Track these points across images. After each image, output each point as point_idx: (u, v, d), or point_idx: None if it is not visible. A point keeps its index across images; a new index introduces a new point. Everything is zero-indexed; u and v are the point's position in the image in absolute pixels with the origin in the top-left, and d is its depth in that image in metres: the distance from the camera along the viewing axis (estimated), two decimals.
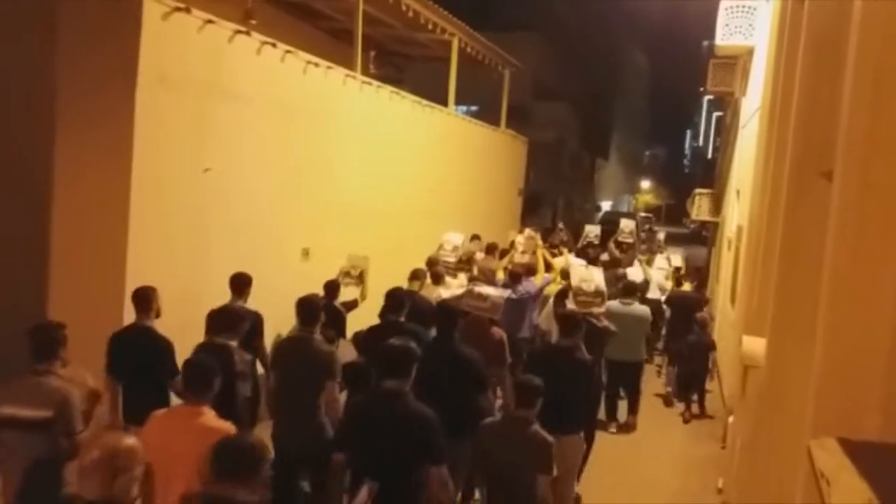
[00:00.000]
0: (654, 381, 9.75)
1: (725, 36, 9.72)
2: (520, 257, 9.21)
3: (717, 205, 15.85)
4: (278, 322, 6.88)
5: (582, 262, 9.02)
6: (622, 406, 8.23)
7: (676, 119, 74.19)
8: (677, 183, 55.69)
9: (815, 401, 1.75)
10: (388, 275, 7.62)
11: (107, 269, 5.78)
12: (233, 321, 4.91)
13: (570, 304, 6.84)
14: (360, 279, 7.13)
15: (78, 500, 2.58)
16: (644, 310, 8.20)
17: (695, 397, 8.80)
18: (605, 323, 6.84)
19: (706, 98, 42.20)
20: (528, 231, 10.09)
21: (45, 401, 3.67)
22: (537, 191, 25.73)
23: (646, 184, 63.06)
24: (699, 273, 14.39)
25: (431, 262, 7.97)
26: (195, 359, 3.89)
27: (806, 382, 1.90)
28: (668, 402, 9.13)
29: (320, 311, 4.98)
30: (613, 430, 7.96)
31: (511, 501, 3.99)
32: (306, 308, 4.95)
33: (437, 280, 7.49)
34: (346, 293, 6.98)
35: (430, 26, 11.35)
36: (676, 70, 51.14)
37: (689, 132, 77.63)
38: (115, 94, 5.74)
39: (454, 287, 7.51)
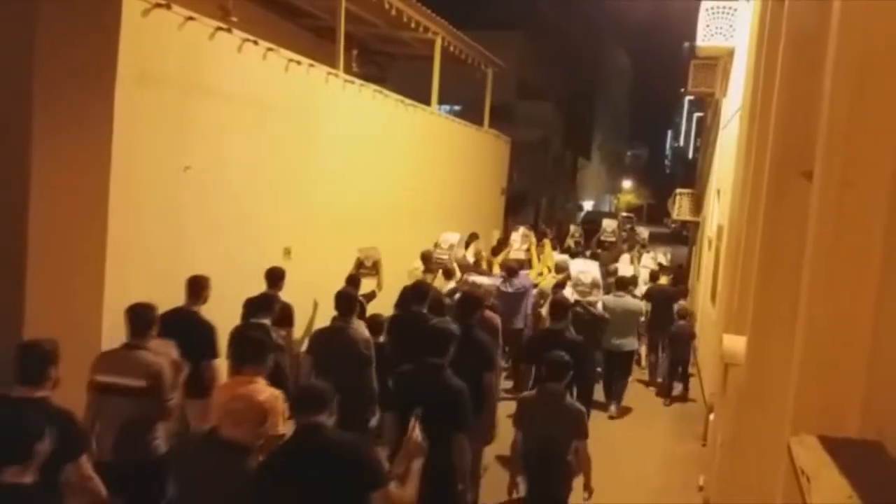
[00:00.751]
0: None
1: (706, 37, 9.80)
2: (515, 253, 9.98)
3: (698, 204, 15.98)
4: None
5: (565, 257, 10.04)
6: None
7: (658, 119, 74.82)
8: (658, 183, 56.17)
9: (795, 398, 1.76)
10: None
11: (85, 267, 5.71)
12: (268, 304, 5.84)
13: (569, 293, 7.51)
14: (375, 269, 7.72)
15: (215, 434, 3.21)
16: (636, 302, 8.83)
17: (679, 386, 9.37)
18: (601, 310, 7.64)
19: (687, 99, 42.49)
20: (522, 229, 10.82)
21: (141, 372, 4.23)
22: (520, 190, 25.78)
23: (627, 183, 63.49)
24: (679, 269, 14.60)
25: (426, 258, 8.55)
26: (249, 335, 4.40)
27: (786, 380, 1.91)
28: (650, 385, 9.83)
29: (356, 302, 5.59)
30: (613, 411, 8.36)
31: (550, 465, 4.48)
32: (343, 300, 5.63)
33: (448, 275, 8.30)
34: (364, 285, 7.58)
35: (413, 25, 11.33)
36: (658, 71, 51.47)
37: (670, 132, 78.18)
38: (94, 92, 5.67)
39: (455, 281, 8.21)
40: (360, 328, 5.68)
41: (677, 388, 9.35)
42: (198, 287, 5.59)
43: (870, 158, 1.59)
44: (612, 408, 8.37)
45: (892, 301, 1.56)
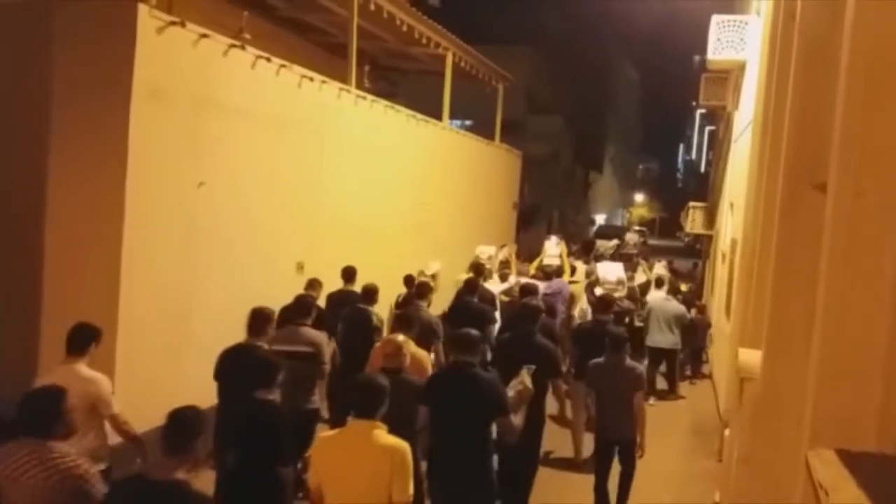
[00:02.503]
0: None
1: (717, 50, 9.78)
2: (549, 259, 11.22)
3: (711, 218, 15.92)
4: None
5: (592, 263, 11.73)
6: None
7: (669, 133, 74.79)
8: (670, 196, 56.02)
9: (811, 412, 1.74)
10: (384, 285, 7.65)
11: (100, 281, 5.76)
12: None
13: (598, 291, 8.87)
14: (434, 278, 9.01)
15: (386, 370, 4.33)
16: (679, 307, 10.12)
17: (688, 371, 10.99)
18: (627, 304, 8.99)
19: (699, 112, 42.50)
20: (554, 238, 12.39)
21: (307, 342, 5.53)
22: (532, 204, 25.80)
23: (639, 197, 63.36)
24: (676, 277, 15.01)
25: (477, 266, 9.65)
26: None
27: (802, 394, 1.90)
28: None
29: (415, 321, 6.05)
30: (652, 401, 9.21)
31: (617, 412, 5.74)
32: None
33: (485, 279, 9.44)
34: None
35: (424, 41, 11.42)
36: (669, 84, 51.60)
37: (681, 146, 78.10)
38: (109, 108, 5.75)
39: (493, 284, 9.48)
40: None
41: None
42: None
43: (883, 169, 1.59)
44: (651, 399, 9.30)
45: None
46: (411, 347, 5.11)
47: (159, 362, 5.94)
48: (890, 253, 1.59)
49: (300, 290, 7.27)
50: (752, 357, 3.32)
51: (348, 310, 6.87)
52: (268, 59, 7.42)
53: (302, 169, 8.24)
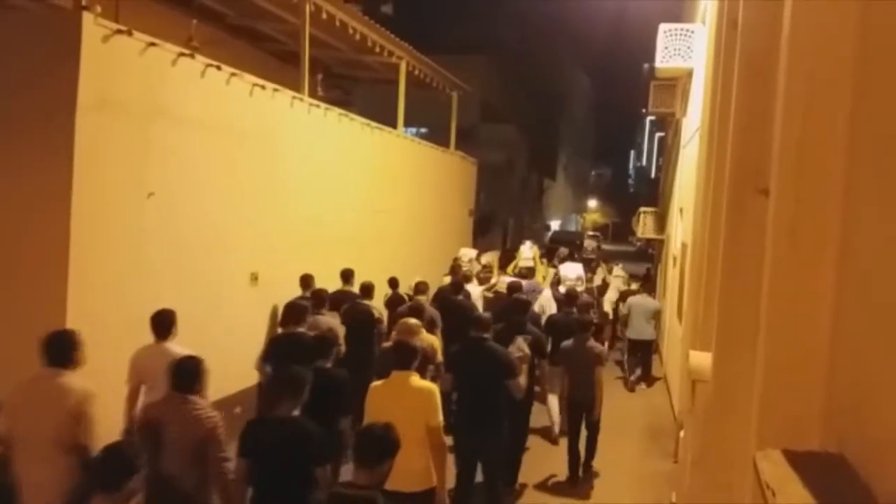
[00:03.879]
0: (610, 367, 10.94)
1: (665, 58, 9.99)
2: (523, 262, 12.57)
3: (662, 223, 16.23)
4: (228, 345, 6.75)
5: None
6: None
7: (620, 139, 76.00)
8: (623, 202, 56.93)
9: (758, 413, 1.78)
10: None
11: (48, 294, 5.58)
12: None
13: (562, 288, 10.07)
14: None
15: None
16: (655, 302, 11.72)
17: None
18: (586, 298, 9.94)
19: (648, 119, 43.38)
20: (528, 243, 13.83)
21: (326, 327, 6.57)
22: (488, 211, 25.92)
23: (592, 203, 64.23)
24: (649, 280, 15.43)
25: (455, 268, 10.93)
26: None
27: (751, 395, 1.94)
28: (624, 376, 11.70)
29: (424, 310, 7.28)
30: (633, 379, 11.17)
31: (583, 382, 7.03)
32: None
33: (467, 280, 10.50)
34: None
35: (377, 49, 11.40)
36: (620, 91, 52.35)
37: (633, 152, 79.46)
38: (54, 118, 5.58)
39: (472, 286, 10.54)
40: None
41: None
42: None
43: (821, 176, 1.64)
44: (633, 378, 11.19)
45: (848, 313, 1.60)
46: (423, 332, 6.12)
47: (109, 374, 5.78)
48: (831, 258, 1.64)
49: (254, 300, 7.17)
50: (702, 359, 3.38)
51: (350, 304, 7.75)
52: (218, 68, 7.31)
53: (255, 178, 8.13)
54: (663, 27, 9.88)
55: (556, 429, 8.20)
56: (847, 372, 1.58)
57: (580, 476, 7.17)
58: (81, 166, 5.61)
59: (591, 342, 7.20)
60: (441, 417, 4.49)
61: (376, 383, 4.71)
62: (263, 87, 8.12)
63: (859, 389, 1.51)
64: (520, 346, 6.26)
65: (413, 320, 5.81)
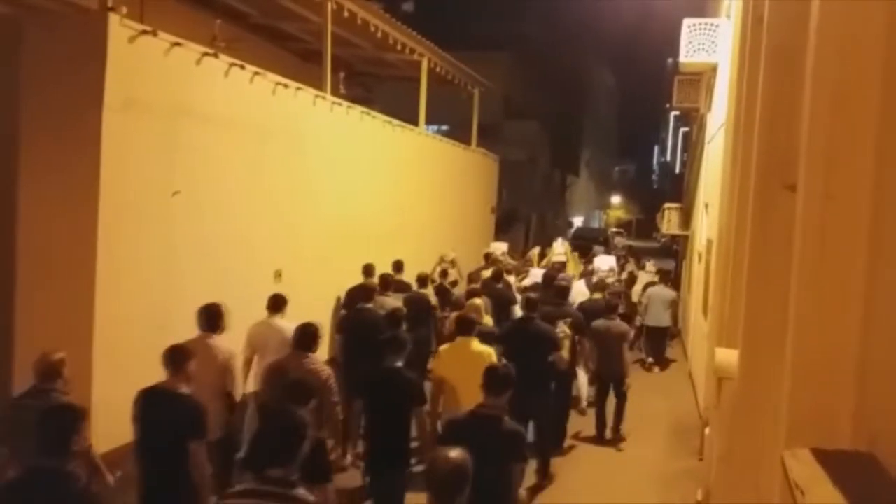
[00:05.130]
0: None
1: (689, 53, 9.89)
2: (557, 257, 13.61)
3: (687, 218, 16.06)
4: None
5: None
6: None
7: (644, 135, 75.44)
8: (647, 198, 56.42)
9: (787, 411, 1.76)
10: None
11: (75, 293, 5.67)
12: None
13: (594, 279, 11.12)
14: (454, 264, 11.35)
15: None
16: (672, 292, 12.80)
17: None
18: (617, 287, 11.41)
19: (673, 114, 42.94)
20: (560, 240, 15.23)
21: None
22: (510, 208, 25.86)
23: (616, 199, 63.76)
24: (668, 274, 15.82)
25: (494, 260, 12.02)
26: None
27: (778, 393, 1.92)
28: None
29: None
30: (651, 361, 12.12)
31: (610, 357, 8.10)
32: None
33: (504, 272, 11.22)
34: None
35: (399, 47, 11.41)
36: (643, 87, 52.11)
37: (656, 148, 78.78)
38: (81, 119, 5.66)
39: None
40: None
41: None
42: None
43: (850, 170, 1.61)
44: (650, 360, 12.14)
45: (878, 310, 1.57)
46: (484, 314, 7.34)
47: (137, 374, 5.86)
48: (860, 253, 1.61)
49: None
50: (729, 356, 3.35)
51: (410, 294, 8.70)
52: (242, 67, 7.37)
53: (278, 176, 8.19)
54: (687, 22, 9.78)
55: (584, 402, 8.94)
56: (878, 369, 1.56)
57: (607, 437, 8.29)
58: (108, 166, 5.69)
59: (618, 321, 8.26)
60: None
61: (444, 346, 6.06)
62: (286, 86, 8.17)
63: (891, 387, 1.49)
64: (562, 329, 7.39)
65: (478, 301, 7.32)
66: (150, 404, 4.34)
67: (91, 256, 5.65)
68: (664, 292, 12.49)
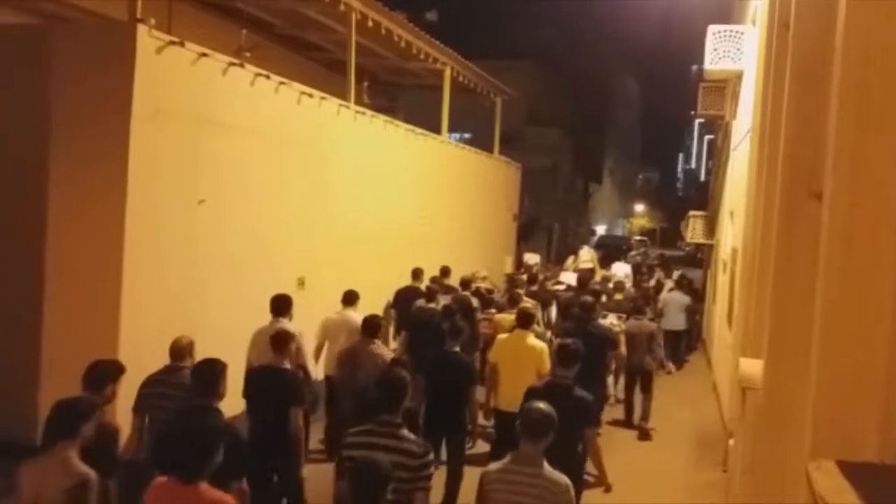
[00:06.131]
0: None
1: (714, 60, 9.79)
2: (584, 264, 14.66)
3: (711, 227, 15.88)
4: None
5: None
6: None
7: (668, 142, 74.82)
8: (671, 206, 55.88)
9: (812, 423, 1.74)
10: (384, 297, 7.60)
11: (102, 300, 5.77)
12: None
13: (610, 284, 12.01)
14: (485, 280, 11.87)
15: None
16: (686, 298, 13.31)
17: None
18: (634, 293, 12.13)
19: (697, 121, 42.61)
20: (586, 248, 16.63)
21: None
22: (532, 216, 25.79)
23: (639, 207, 63.24)
24: (684, 280, 15.45)
25: (527, 268, 13.51)
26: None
27: (804, 404, 1.89)
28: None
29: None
30: (671, 367, 12.28)
31: (637, 354, 8.82)
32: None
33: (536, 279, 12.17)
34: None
35: (422, 56, 11.47)
36: (667, 94, 51.73)
37: (681, 155, 78.18)
38: (109, 128, 5.77)
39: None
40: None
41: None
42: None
43: (877, 178, 1.59)
44: (671, 364, 12.24)
45: None
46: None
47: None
48: (887, 263, 1.59)
49: (301, 305, 7.26)
50: (753, 367, 3.31)
51: (456, 295, 9.24)
52: (267, 77, 7.46)
53: (302, 185, 8.26)
54: (712, 29, 9.70)
55: (612, 398, 9.44)
56: None
57: (635, 426, 8.91)
58: (135, 174, 5.78)
59: (647, 321, 9.14)
60: (548, 366, 5.87)
61: (502, 336, 6.68)
62: (311, 96, 8.24)
63: None
64: (613, 322, 8.35)
65: (530, 303, 8.43)
66: (260, 378, 5.14)
67: (117, 263, 5.74)
68: (679, 297, 13.26)
